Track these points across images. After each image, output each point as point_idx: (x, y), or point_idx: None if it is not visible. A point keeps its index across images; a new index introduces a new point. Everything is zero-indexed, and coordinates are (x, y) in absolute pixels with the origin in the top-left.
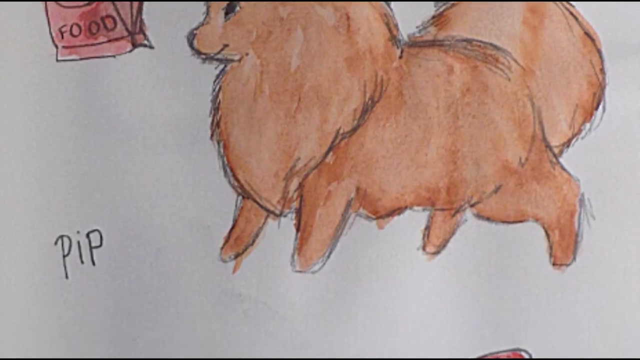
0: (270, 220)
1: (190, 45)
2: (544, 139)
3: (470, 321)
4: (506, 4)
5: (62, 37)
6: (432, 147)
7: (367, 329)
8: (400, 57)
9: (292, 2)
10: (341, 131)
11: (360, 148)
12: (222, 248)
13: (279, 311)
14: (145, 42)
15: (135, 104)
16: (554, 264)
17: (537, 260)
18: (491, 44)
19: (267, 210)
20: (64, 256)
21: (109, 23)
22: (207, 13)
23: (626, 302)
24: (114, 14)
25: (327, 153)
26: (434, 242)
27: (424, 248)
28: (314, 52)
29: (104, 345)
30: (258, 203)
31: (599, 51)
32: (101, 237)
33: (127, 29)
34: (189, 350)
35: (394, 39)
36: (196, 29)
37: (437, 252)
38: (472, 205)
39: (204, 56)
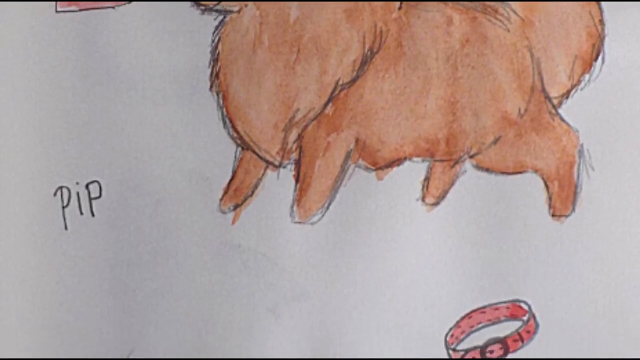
0: (269, 172)
1: None
2: (543, 90)
3: (469, 272)
4: None
5: None
6: (431, 98)
7: (366, 279)
8: (400, 8)
9: None
10: (340, 82)
11: (359, 99)
12: (221, 199)
13: (278, 262)
14: None
15: (134, 55)
16: (553, 215)
17: (536, 211)
18: None
19: (266, 162)
20: (63, 207)
21: None
22: None
23: (625, 253)
24: None
25: (326, 104)
26: (433, 193)
27: (423, 199)
28: (313, 4)
29: (103, 296)
30: (257, 154)
31: (598, 2)
32: (100, 188)
33: None
34: (188, 301)
35: None
36: None
37: (436, 203)
38: (471, 157)
39: (203, 7)
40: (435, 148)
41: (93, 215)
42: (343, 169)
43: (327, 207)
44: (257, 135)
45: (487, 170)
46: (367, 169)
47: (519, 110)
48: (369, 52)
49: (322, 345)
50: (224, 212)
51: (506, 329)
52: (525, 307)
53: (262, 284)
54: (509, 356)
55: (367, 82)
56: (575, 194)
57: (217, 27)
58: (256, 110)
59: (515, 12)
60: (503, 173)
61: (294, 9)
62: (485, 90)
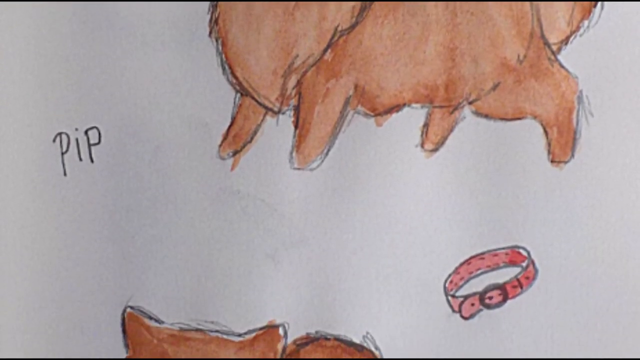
0: (268, 118)
1: None
2: (542, 36)
3: (468, 218)
4: None
5: None
6: (430, 45)
7: (365, 225)
8: None
9: None
10: (339, 28)
11: (358, 45)
12: (220, 145)
13: (277, 208)
14: None
15: (133, 2)
16: (552, 161)
17: (536, 157)
18: None
19: (266, 108)
20: (62, 153)
21: None
22: None
23: (624, 198)
24: None
25: (325, 50)
26: (432, 139)
27: (422, 145)
28: None
29: (102, 242)
30: (256, 100)
31: None
32: (99, 134)
33: None
34: (187, 247)
35: None
36: None
37: (435, 149)
38: (470, 103)
39: None
40: (434, 94)
41: (92, 161)
42: (342, 115)
43: (326, 153)
44: (256, 81)
45: (486, 116)
46: (366, 115)
47: (518, 56)
48: None
49: (321, 291)
50: (223, 158)
51: (505, 275)
52: (524, 253)
53: (261, 230)
54: (508, 302)
55: (366, 28)
56: (574, 140)
57: None
58: (255, 56)
59: None
60: (502, 119)
61: None
62: (484, 37)
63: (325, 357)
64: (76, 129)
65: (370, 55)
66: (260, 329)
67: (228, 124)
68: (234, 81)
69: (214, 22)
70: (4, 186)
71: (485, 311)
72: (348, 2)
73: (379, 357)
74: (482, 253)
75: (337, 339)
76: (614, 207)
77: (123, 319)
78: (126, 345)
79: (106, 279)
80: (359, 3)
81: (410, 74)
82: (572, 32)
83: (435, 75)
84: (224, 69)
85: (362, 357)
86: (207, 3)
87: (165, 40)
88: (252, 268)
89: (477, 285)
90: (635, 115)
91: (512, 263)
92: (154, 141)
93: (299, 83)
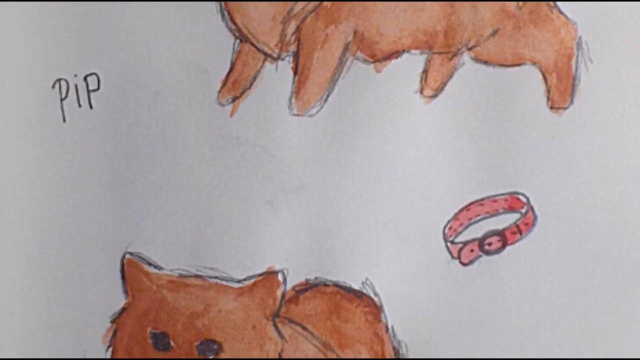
0: (267, 64)
1: None
2: None
3: (467, 164)
4: None
5: None
6: None
7: (365, 172)
8: None
9: None
10: None
11: None
12: (219, 91)
13: (277, 154)
14: None
15: None
16: (551, 108)
17: (535, 103)
18: None
19: (265, 54)
20: (62, 99)
21: None
22: None
23: (623, 144)
24: None
25: None
26: (432, 86)
27: (421, 91)
28: None
29: (101, 188)
30: (255, 46)
31: None
32: (99, 80)
33: None
34: (186, 193)
35: None
36: None
37: (434, 96)
38: (469, 49)
39: None
40: (433, 40)
41: (91, 107)
42: (341, 61)
43: (326, 100)
44: (255, 28)
45: (486, 62)
46: (365, 61)
47: (517, 2)
48: None
49: (320, 237)
50: (222, 105)
51: (504, 221)
52: (523, 199)
53: (260, 176)
54: (507, 248)
55: None
56: (573, 86)
57: None
58: (254, 2)
59: None
60: (501, 65)
61: None
62: None
63: (324, 303)
64: (75, 75)
65: (369, 2)
66: (260, 275)
67: (227, 70)
68: (233, 27)
69: None
70: (4, 132)
71: (484, 257)
72: None
73: (378, 303)
74: (482, 199)
75: (336, 285)
76: (613, 153)
77: (122, 265)
78: (125, 292)
79: (105, 225)
80: None
81: (410, 20)
82: None
83: (435, 22)
84: (223, 15)
85: (361, 303)
86: None
87: None
88: (251, 214)
89: (476, 231)
90: (635, 61)
91: (511, 209)
92: (153, 87)
93: (298, 29)
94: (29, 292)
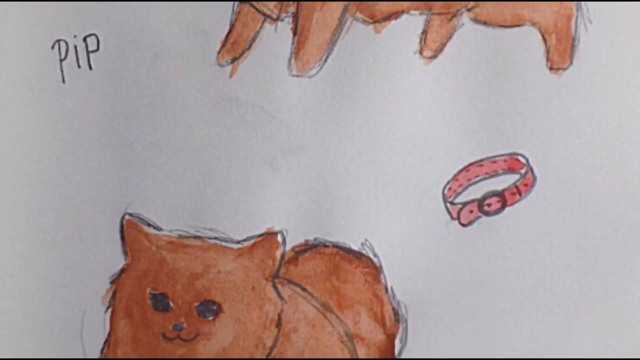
0: (267, 25)
1: None
2: None
3: (467, 125)
4: None
5: None
6: None
7: (364, 132)
8: None
9: None
10: None
11: None
12: (219, 52)
13: (276, 115)
14: None
15: None
16: (550, 68)
17: (534, 64)
18: None
19: (264, 15)
20: (61, 60)
21: None
22: None
23: (623, 105)
24: None
25: None
26: (431, 46)
27: (420, 52)
28: None
29: (101, 149)
30: (255, 7)
31: None
32: (98, 41)
33: None
34: (185, 154)
35: None
36: None
37: (434, 56)
38: (469, 10)
39: None
40: (432, 1)
41: (90, 68)
42: (341, 22)
43: (325, 60)
44: None
45: (485, 23)
46: (364, 22)
47: None
48: None
49: (319, 198)
50: (221, 65)
51: (504, 182)
52: (523, 160)
53: (260, 137)
54: (507, 209)
55: None
56: (572, 47)
57: None
58: None
59: None
60: (501, 26)
61: None
62: None
63: (323, 264)
64: (75, 36)
65: None
66: (259, 236)
67: (226, 31)
68: None
69: None
70: (3, 94)
71: (483, 218)
72: None
73: (377, 263)
74: (481, 160)
75: (335, 245)
76: (612, 113)
77: (122, 226)
78: (125, 253)
79: (105, 186)
80: None
81: None
82: None
83: None
84: None
85: (360, 264)
86: None
87: None
88: (251, 175)
89: (475, 192)
90: (634, 22)
91: (510, 170)
92: (153, 48)
93: None
94: (28, 254)
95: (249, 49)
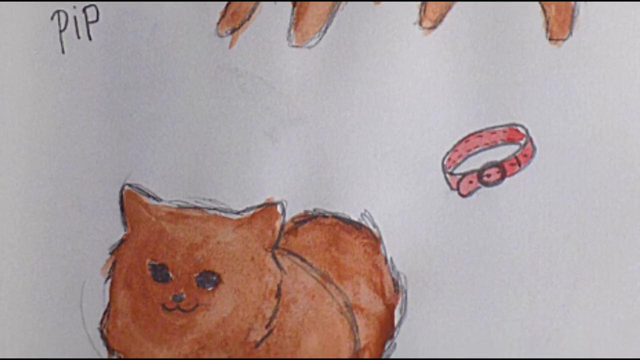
0: None
1: None
2: None
3: (466, 96)
4: None
5: None
6: None
7: (364, 103)
8: None
9: None
10: None
11: None
12: (218, 23)
13: (276, 86)
14: None
15: None
16: (550, 39)
17: (534, 35)
18: None
19: None
20: (60, 31)
21: None
22: None
23: (622, 76)
24: None
25: None
26: (431, 17)
27: (420, 23)
28: None
29: (100, 120)
30: None
31: None
32: (97, 11)
33: None
34: (185, 124)
35: None
36: None
37: (433, 27)
38: None
39: None
40: None
41: (90, 39)
42: None
43: (325, 31)
44: None
45: None
46: None
47: None
48: None
49: (319, 168)
50: (221, 36)
51: (503, 152)
52: (522, 130)
53: (260, 108)
54: (506, 180)
55: None
56: (572, 17)
57: None
58: None
59: None
60: None
61: None
62: None
63: (323, 234)
64: (74, 7)
65: None
66: (258, 206)
67: (226, 1)
68: None
69: None
70: (3, 65)
71: (483, 189)
72: None
73: (377, 234)
74: (481, 131)
75: (335, 216)
76: (611, 84)
77: (121, 197)
78: (124, 223)
79: (104, 157)
80: None
81: None
82: None
83: None
84: None
85: (360, 235)
86: None
87: None
88: (250, 146)
89: (475, 162)
90: None
91: (510, 141)
92: (152, 19)
93: None
94: (27, 224)
95: (248, 19)
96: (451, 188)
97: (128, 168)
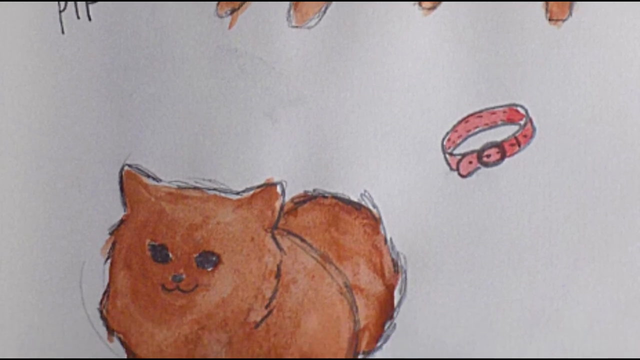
0: None
1: None
2: None
3: (466, 76)
4: None
5: None
6: None
7: (363, 83)
8: None
9: None
10: None
11: None
12: (218, 3)
13: (275, 66)
14: None
15: None
16: (550, 20)
17: (533, 15)
18: None
19: None
20: (60, 11)
21: None
22: None
23: (622, 57)
24: None
25: None
26: None
27: (420, 3)
28: None
29: (100, 100)
30: None
31: None
32: None
33: None
34: (185, 105)
35: None
36: None
37: (433, 7)
38: None
39: None
40: None
41: (90, 19)
42: None
43: (324, 12)
44: None
45: None
46: None
47: None
48: None
49: (318, 149)
50: (220, 17)
51: (503, 133)
52: (522, 111)
53: (259, 88)
54: (506, 160)
55: None
56: None
57: None
58: None
59: None
60: None
61: None
62: None
63: (323, 215)
64: None
65: None
66: (258, 187)
67: None
68: None
69: None
70: (2, 45)
71: (483, 169)
72: None
73: (376, 215)
74: (480, 111)
75: (334, 196)
76: (611, 64)
77: (121, 177)
78: (124, 204)
79: (104, 137)
80: None
81: None
82: None
83: None
84: None
85: (359, 215)
86: None
87: None
88: (250, 126)
89: (475, 143)
90: None
91: (510, 121)
92: None
93: None
94: (27, 205)
95: (248, 0)
96: (451, 168)
97: (128, 148)
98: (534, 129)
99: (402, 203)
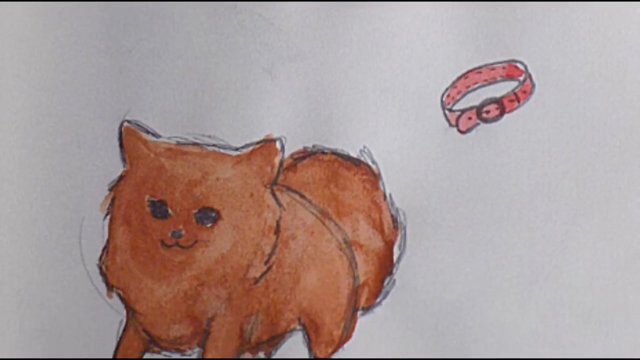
0: None
1: None
2: None
3: (465, 32)
4: None
5: None
6: None
7: (362, 39)
8: None
9: None
10: None
11: None
12: None
13: (275, 22)
14: None
15: None
16: None
17: None
18: None
19: None
20: None
21: None
22: None
23: (622, 13)
24: None
25: None
26: None
27: None
28: None
29: (99, 56)
30: None
31: None
32: None
33: None
34: (184, 60)
35: None
36: None
37: None
38: None
39: None
40: None
41: None
42: None
43: None
44: None
45: None
46: None
47: None
48: None
49: (318, 105)
50: None
51: (502, 89)
52: (521, 67)
53: (258, 44)
54: (505, 116)
55: None
56: None
57: None
58: None
59: None
60: None
61: None
62: None
63: (322, 171)
64: None
65: None
66: (257, 143)
67: None
68: None
69: None
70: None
71: (482, 125)
72: None
73: (376, 170)
74: (480, 67)
75: (334, 152)
76: (611, 20)
77: (120, 133)
78: (123, 160)
79: (103, 93)
80: None
81: None
82: None
83: None
84: None
85: (359, 171)
86: None
87: None
88: (249, 82)
89: (474, 99)
90: None
91: (509, 77)
92: None
93: None
94: (26, 161)
95: None
96: (450, 124)
97: (127, 104)
98: (533, 85)
99: (401, 159)
